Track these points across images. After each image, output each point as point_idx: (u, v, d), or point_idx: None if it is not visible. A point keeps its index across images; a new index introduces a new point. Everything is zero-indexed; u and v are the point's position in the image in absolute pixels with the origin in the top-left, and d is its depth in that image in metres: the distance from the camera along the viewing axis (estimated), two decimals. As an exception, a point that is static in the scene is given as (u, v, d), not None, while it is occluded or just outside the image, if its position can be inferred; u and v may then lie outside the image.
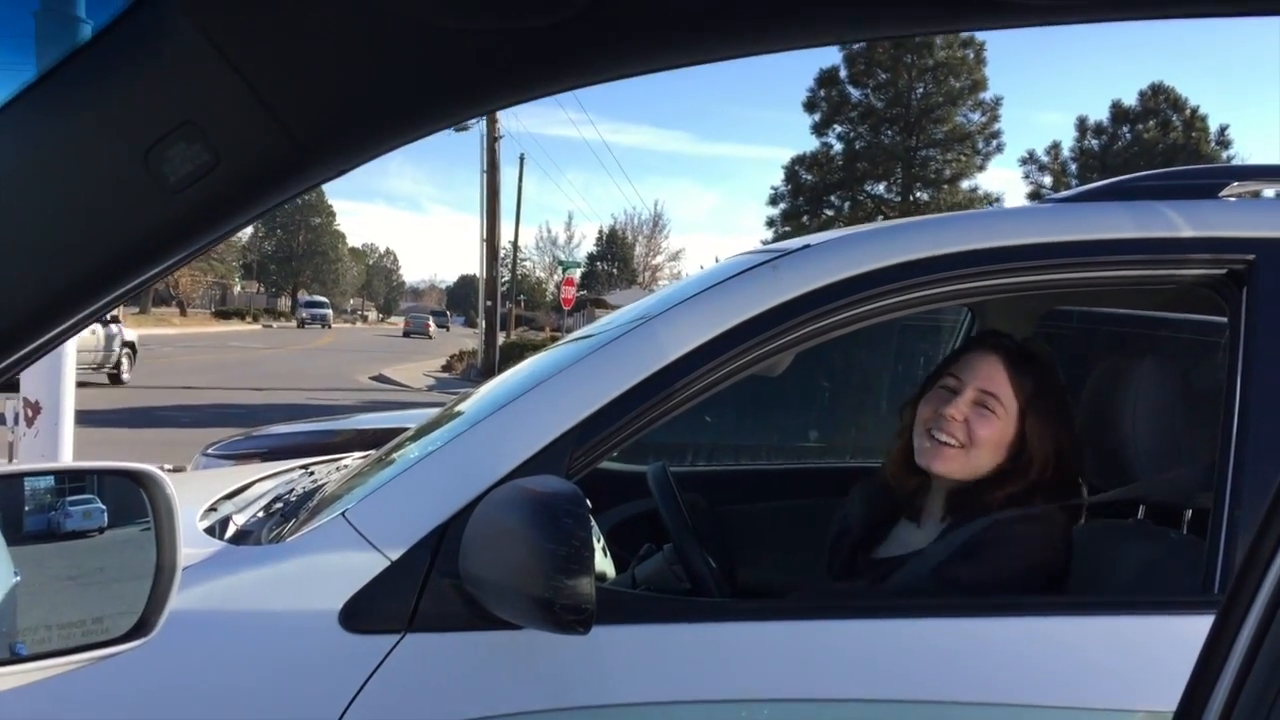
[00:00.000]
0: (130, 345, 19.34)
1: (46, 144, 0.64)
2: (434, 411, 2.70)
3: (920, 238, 1.80)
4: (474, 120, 27.09)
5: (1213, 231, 1.80)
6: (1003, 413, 1.91)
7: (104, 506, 1.18)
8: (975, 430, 1.91)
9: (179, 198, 0.63)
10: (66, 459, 4.20)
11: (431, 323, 60.93)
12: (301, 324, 58.15)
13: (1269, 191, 2.05)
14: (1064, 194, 2.21)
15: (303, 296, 76.31)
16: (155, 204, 0.63)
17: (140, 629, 1.05)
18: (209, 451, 4.64)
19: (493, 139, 26.99)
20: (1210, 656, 0.84)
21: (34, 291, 0.66)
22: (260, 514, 2.00)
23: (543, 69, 0.61)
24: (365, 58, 0.61)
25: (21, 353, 0.70)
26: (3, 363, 0.70)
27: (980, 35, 34.07)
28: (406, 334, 55.33)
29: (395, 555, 1.55)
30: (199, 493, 2.16)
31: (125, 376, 18.84)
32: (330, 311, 64.71)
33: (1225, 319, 1.82)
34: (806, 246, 1.86)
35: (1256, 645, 0.80)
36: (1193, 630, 1.57)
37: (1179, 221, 1.80)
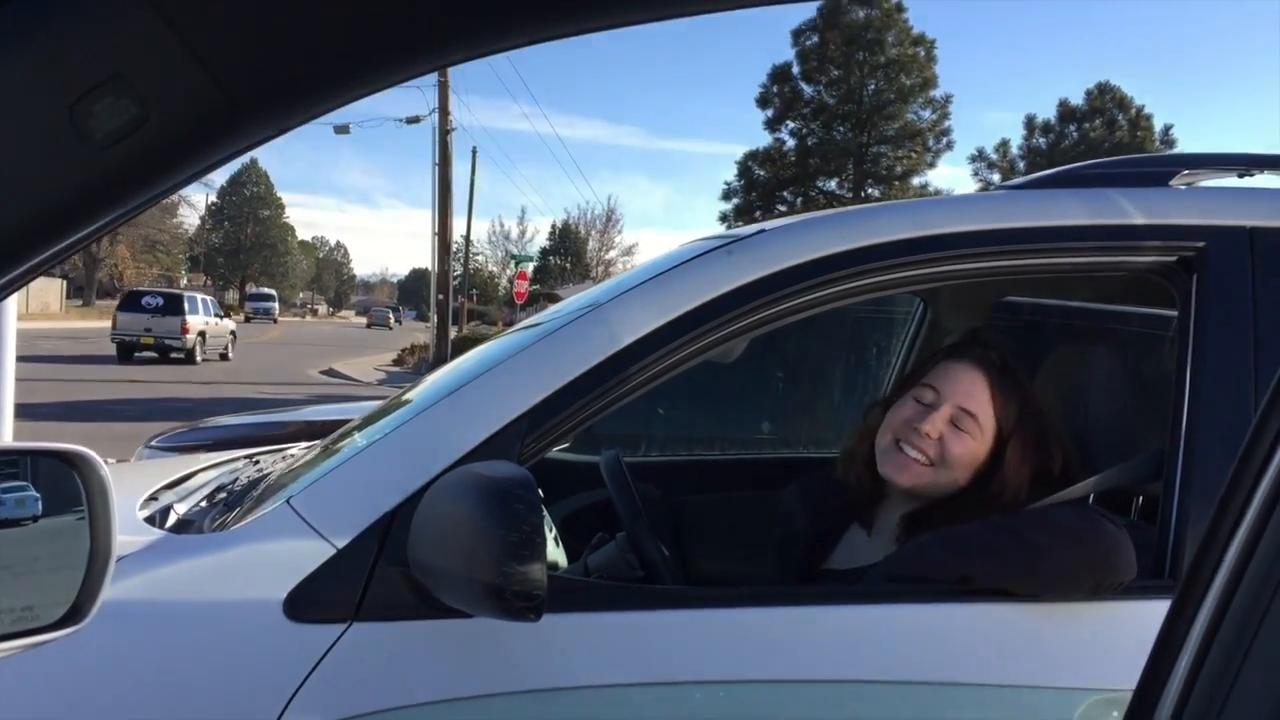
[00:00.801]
0: (233, 333, 29.29)
1: None
2: (382, 401, 2.66)
3: (875, 223, 1.79)
4: (426, 113, 26.87)
5: (1164, 219, 1.81)
6: (979, 434, 1.84)
7: (38, 494, 1.14)
8: (949, 448, 1.83)
9: (106, 154, 0.59)
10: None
11: (390, 316, 65.04)
12: (248, 318, 56.85)
13: (1218, 180, 2.07)
14: (1016, 181, 2.22)
15: (250, 289, 75.38)
16: (81, 161, 0.60)
17: (72, 616, 1.01)
18: (153, 443, 4.55)
19: (445, 131, 26.77)
20: (1167, 639, 0.83)
21: None
22: (203, 503, 1.95)
23: (491, 21, 0.59)
24: (302, 7, 0.58)
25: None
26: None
27: (930, 33, 34.43)
28: (369, 326, 61.11)
29: (341, 543, 1.52)
30: (139, 482, 2.11)
31: (230, 356, 27.91)
32: (276, 305, 64.06)
33: (1172, 311, 1.83)
34: (761, 231, 1.85)
35: (1214, 628, 0.79)
36: (1145, 614, 1.59)
37: (1131, 209, 1.81)
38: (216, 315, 27.90)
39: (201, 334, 25.92)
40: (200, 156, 0.61)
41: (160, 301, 25.09)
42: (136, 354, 24.70)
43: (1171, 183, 1.93)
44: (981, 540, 1.68)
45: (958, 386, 1.86)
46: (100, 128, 0.58)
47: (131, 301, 25.45)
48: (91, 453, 1.06)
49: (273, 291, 71.23)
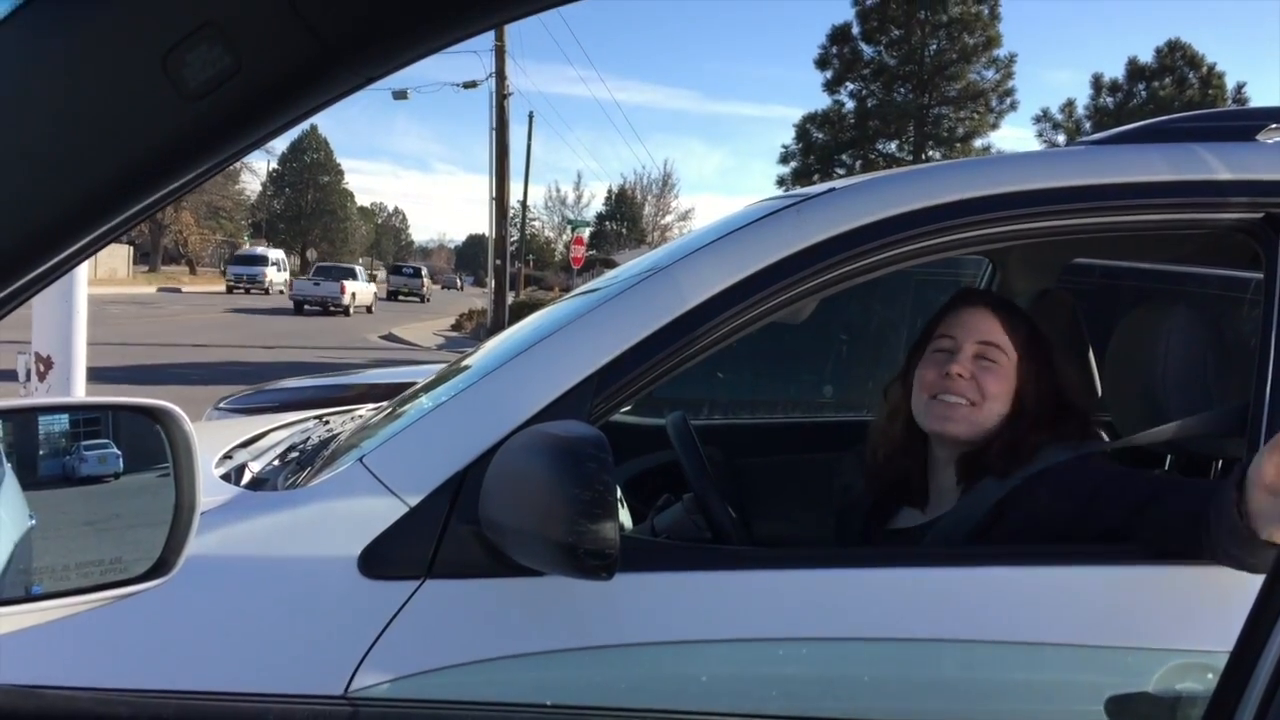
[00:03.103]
0: (375, 295, 39.76)
1: (58, 49, 0.60)
2: (446, 365, 2.68)
3: (949, 181, 1.75)
4: (482, 78, 26.93)
5: (1250, 174, 1.75)
6: (1006, 361, 1.87)
7: (119, 452, 1.16)
8: (984, 384, 1.86)
9: (199, 104, 0.59)
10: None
11: (458, 280, 62.97)
12: (392, 294, 52.12)
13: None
14: (1095, 136, 2.16)
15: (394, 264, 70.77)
16: (174, 112, 0.60)
17: (159, 569, 1.03)
18: (221, 405, 4.63)
19: (501, 96, 26.77)
20: (1265, 604, 0.81)
21: (46, 208, 0.63)
22: (276, 461, 1.98)
23: None
24: None
25: (33, 274, 0.67)
26: (15, 284, 0.67)
27: (994, -9, 33.66)
28: (442, 288, 60.59)
29: (414, 501, 1.53)
30: (213, 441, 2.14)
31: (373, 310, 37.65)
32: (424, 280, 55.37)
33: (1252, 274, 1.78)
34: (831, 190, 1.82)
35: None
36: (1219, 577, 1.56)
37: (1215, 164, 1.75)
38: (364, 282, 38.95)
39: (354, 294, 36.05)
40: (291, 105, 0.61)
41: (326, 274, 36.92)
42: (305, 308, 34.37)
43: (1258, 137, 1.87)
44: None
45: (971, 325, 1.91)
46: (193, 77, 0.58)
47: (305, 273, 37.03)
48: (175, 407, 1.08)
49: (421, 266, 61.68)
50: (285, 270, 40.43)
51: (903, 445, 1.98)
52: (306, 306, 34.46)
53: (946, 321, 1.94)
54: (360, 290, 37.17)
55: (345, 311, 34.49)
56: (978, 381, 1.86)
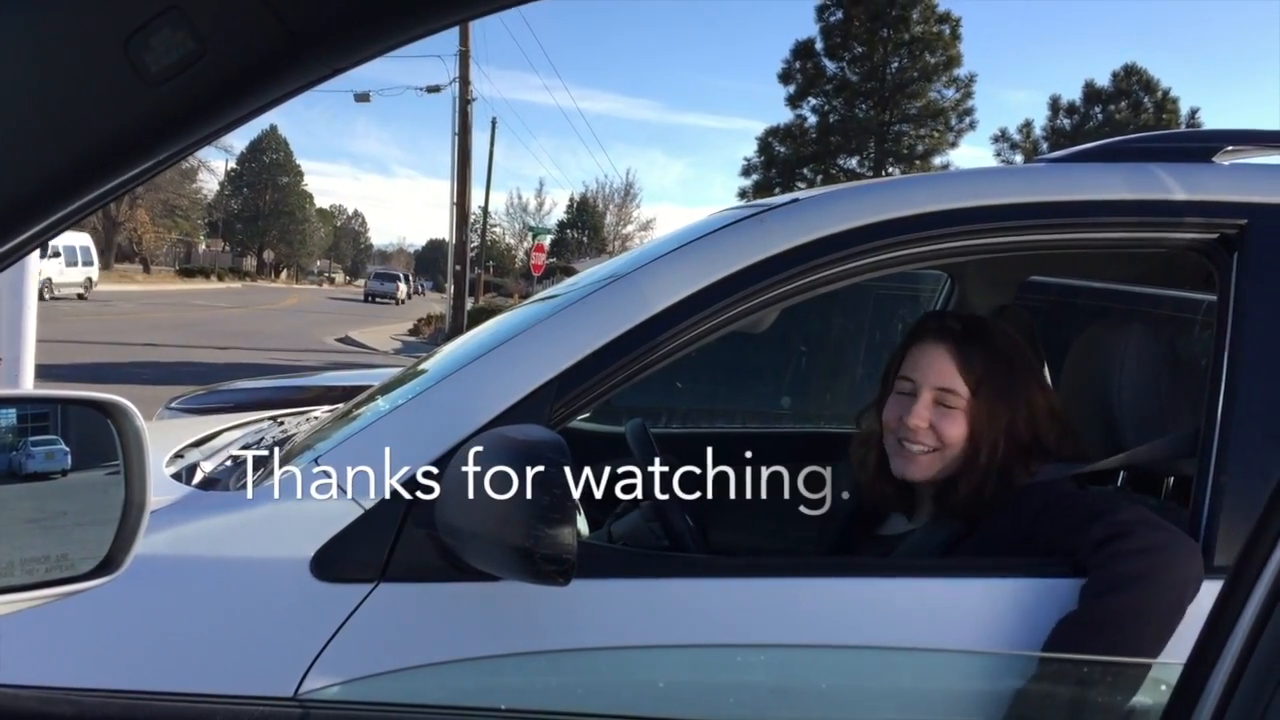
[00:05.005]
0: (408, 292, 65.53)
1: (16, 28, 0.59)
2: (403, 368, 2.65)
3: (912, 194, 1.77)
4: (446, 82, 26.82)
5: (1206, 195, 1.78)
6: (963, 405, 1.85)
7: (67, 449, 1.14)
8: (943, 431, 1.84)
9: (162, 90, 0.58)
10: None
11: (401, 285, 68.27)
12: (368, 298, 59.19)
13: (1263, 157, 2.03)
14: (1055, 154, 2.18)
15: (371, 269, 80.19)
16: (136, 96, 0.58)
17: (106, 566, 1.01)
18: (172, 405, 4.57)
19: (465, 101, 26.69)
20: (1219, 619, 0.82)
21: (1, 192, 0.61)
22: (228, 462, 1.95)
23: None
24: None
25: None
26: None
27: (956, 11, 34.10)
28: (367, 299, 63.72)
29: (369, 504, 1.51)
30: (164, 440, 2.11)
31: (404, 302, 58.94)
32: (399, 285, 62.22)
33: (1205, 296, 1.81)
34: (795, 200, 1.83)
35: (1268, 611, 0.78)
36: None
37: (1172, 184, 1.78)
38: (406, 284, 62.53)
39: (400, 291, 59.06)
40: (256, 93, 0.60)
41: (389, 275, 61.50)
42: (373, 299, 55.82)
43: (1214, 159, 1.90)
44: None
45: (928, 368, 1.87)
46: (156, 61, 0.57)
47: (371, 276, 61.18)
48: (127, 402, 1.06)
49: (399, 271, 70.96)
50: (409, 284, 65.08)
51: (880, 471, 1.97)
52: (375, 299, 55.69)
53: (909, 359, 1.92)
54: (401, 289, 59.86)
55: (398, 302, 56.29)
56: (935, 430, 1.85)
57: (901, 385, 1.91)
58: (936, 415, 1.85)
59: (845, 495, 2.13)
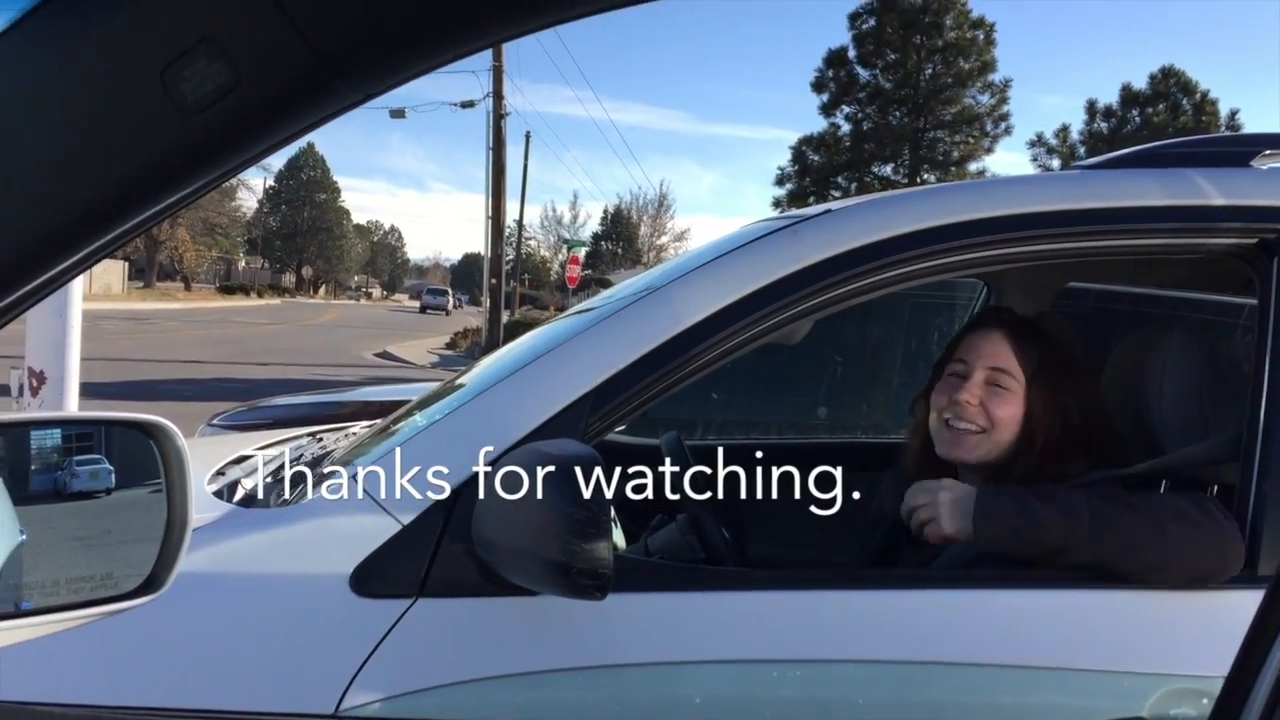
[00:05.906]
0: (457, 304, 77.49)
1: (56, 61, 0.60)
2: (440, 383, 2.67)
3: (945, 203, 1.76)
4: (480, 97, 26.99)
5: (1245, 200, 1.76)
6: (1016, 387, 1.86)
7: (111, 467, 1.15)
8: (993, 411, 1.86)
9: (197, 119, 0.59)
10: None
11: (449, 299, 78.78)
12: (423, 310, 69.24)
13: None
14: (1092, 160, 2.17)
15: (426, 284, 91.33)
16: (172, 126, 0.60)
17: (150, 585, 1.02)
18: (214, 422, 4.61)
19: (499, 115, 26.83)
20: (1262, 628, 0.81)
21: (43, 222, 0.63)
22: (268, 479, 1.97)
23: None
24: None
25: (28, 287, 0.67)
26: (10, 298, 0.66)
27: (990, 16, 33.89)
28: (422, 310, 73.67)
29: (407, 519, 1.52)
30: (205, 458, 2.13)
31: (450, 312, 65.07)
32: (448, 299, 73.37)
33: (1245, 300, 1.79)
34: (828, 211, 1.83)
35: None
36: (1216, 601, 1.56)
37: (1210, 189, 1.76)
38: (454, 297, 70.86)
39: (450, 304, 66.26)
40: (290, 121, 0.61)
41: (439, 291, 69.79)
42: (426, 311, 61.17)
43: (1252, 163, 1.88)
44: (1093, 506, 1.64)
45: (982, 350, 1.90)
46: (192, 91, 0.58)
47: (425, 291, 70.20)
48: (168, 422, 1.07)
49: (445, 288, 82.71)
50: (456, 297, 75.48)
51: (928, 461, 1.97)
52: (428, 311, 62.70)
53: (963, 343, 1.94)
54: (449, 302, 68.06)
55: (446, 312, 62.49)
56: (986, 408, 1.86)
57: (954, 368, 1.93)
58: (988, 395, 1.87)
59: (875, 503, 2.13)
